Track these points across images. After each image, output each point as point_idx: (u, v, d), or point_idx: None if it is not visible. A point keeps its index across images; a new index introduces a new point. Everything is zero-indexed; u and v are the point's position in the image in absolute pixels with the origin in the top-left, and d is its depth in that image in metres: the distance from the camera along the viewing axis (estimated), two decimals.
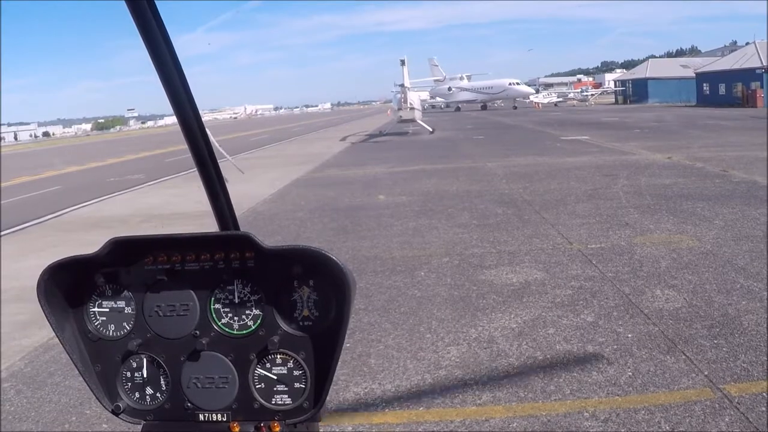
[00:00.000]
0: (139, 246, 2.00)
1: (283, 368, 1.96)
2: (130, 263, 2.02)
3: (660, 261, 11.23)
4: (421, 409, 6.57)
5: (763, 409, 6.03)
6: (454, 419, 6.31)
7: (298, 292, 1.96)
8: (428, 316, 9.27)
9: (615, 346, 7.74)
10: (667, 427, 5.83)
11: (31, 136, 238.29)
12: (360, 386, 7.13)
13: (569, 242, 12.99)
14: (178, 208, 20.92)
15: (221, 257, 1.98)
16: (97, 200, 25.20)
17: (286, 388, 1.96)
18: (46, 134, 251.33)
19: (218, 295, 1.99)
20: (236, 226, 2.24)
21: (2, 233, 18.29)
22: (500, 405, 6.53)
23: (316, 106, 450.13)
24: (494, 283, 10.58)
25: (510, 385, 6.94)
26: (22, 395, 7.49)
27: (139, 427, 2.01)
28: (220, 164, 2.17)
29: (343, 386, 7.10)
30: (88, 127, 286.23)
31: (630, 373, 6.99)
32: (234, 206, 2.28)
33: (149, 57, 1.90)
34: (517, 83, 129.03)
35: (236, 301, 1.98)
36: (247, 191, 22.80)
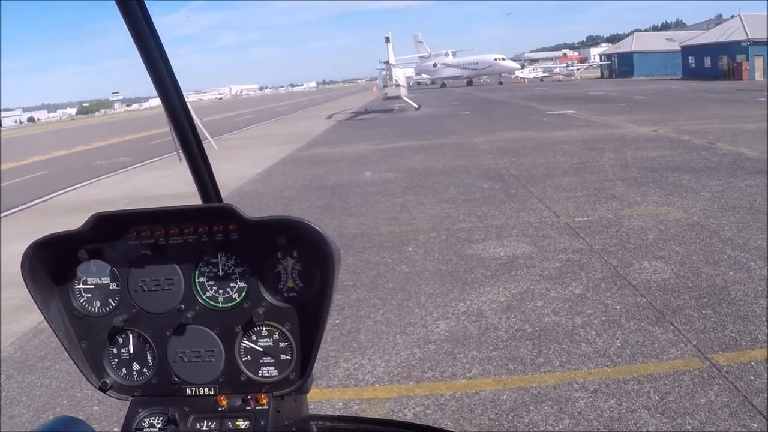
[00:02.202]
0: (122, 221, 1.99)
1: (269, 340, 1.95)
2: (113, 239, 2.01)
3: (647, 233, 11.28)
4: (411, 383, 6.60)
5: (752, 377, 6.07)
6: (444, 393, 6.34)
7: (282, 264, 1.95)
8: (417, 291, 9.29)
9: (603, 318, 7.78)
10: (657, 397, 5.87)
11: (15, 121, 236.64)
12: (350, 362, 7.14)
13: (556, 216, 13.02)
14: (165, 189, 20.83)
15: (205, 230, 1.97)
16: (83, 184, 25.08)
17: (272, 360, 1.95)
18: (31, 119, 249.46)
19: (202, 268, 1.98)
20: (219, 200, 2.23)
21: None
22: (490, 378, 6.56)
23: (302, 85, 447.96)
24: (482, 257, 10.60)
25: (499, 357, 6.97)
26: (12, 380, 7.47)
27: (127, 402, 2.01)
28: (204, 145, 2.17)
29: (333, 362, 7.11)
30: (73, 111, 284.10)
31: (619, 344, 7.03)
32: (220, 186, 2.27)
33: (132, 39, 1.89)
34: (503, 59, 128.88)
35: (221, 274, 1.97)
36: (233, 171, 22.77)
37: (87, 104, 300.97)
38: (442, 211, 14.29)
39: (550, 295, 8.73)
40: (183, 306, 1.96)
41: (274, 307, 1.93)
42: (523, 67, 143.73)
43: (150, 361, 2.01)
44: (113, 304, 2.02)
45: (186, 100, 2.15)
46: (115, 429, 5.74)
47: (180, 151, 2.23)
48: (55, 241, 1.97)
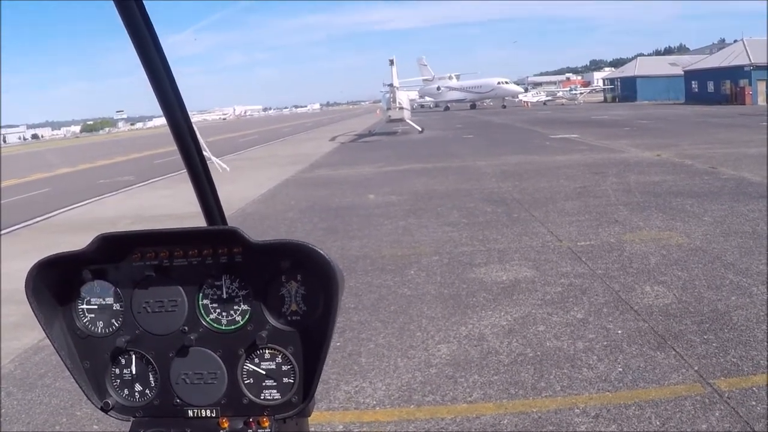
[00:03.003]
0: (126, 242, 2.00)
1: (271, 363, 1.96)
2: (117, 259, 2.02)
3: (650, 257, 11.26)
4: (412, 407, 6.57)
5: (753, 403, 6.05)
6: (445, 417, 6.31)
7: (285, 287, 1.96)
8: (418, 315, 9.27)
9: (605, 343, 7.76)
10: (658, 423, 5.84)
11: (19, 138, 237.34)
12: (350, 384, 7.13)
13: (559, 240, 13.02)
14: (169, 209, 20.84)
15: (209, 253, 1.98)
16: (86, 202, 25.09)
17: (275, 383, 1.96)
18: (35, 136, 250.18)
19: (206, 290, 1.99)
20: (224, 222, 2.24)
21: None
22: (491, 402, 6.54)
23: (306, 106, 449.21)
24: (484, 281, 10.59)
25: (500, 382, 6.95)
26: (12, 397, 7.45)
27: (129, 423, 2.01)
28: (208, 165, 2.18)
29: (334, 385, 7.10)
30: (77, 129, 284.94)
31: (620, 369, 7.00)
32: (223, 207, 2.28)
33: (138, 58, 1.91)
34: (506, 82, 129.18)
35: (224, 296, 1.98)
36: (237, 192, 22.78)
37: (91, 122, 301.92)
38: (445, 235, 14.28)
39: (551, 319, 8.71)
40: (186, 328, 1.97)
41: (278, 330, 1.94)
42: (526, 90, 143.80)
43: (152, 382, 2.01)
44: (116, 324, 2.03)
45: (191, 120, 2.16)
46: None
47: (218, 161, 2.23)
48: (60, 261, 1.98)
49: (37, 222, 21.07)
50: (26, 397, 7.43)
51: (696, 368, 6.88)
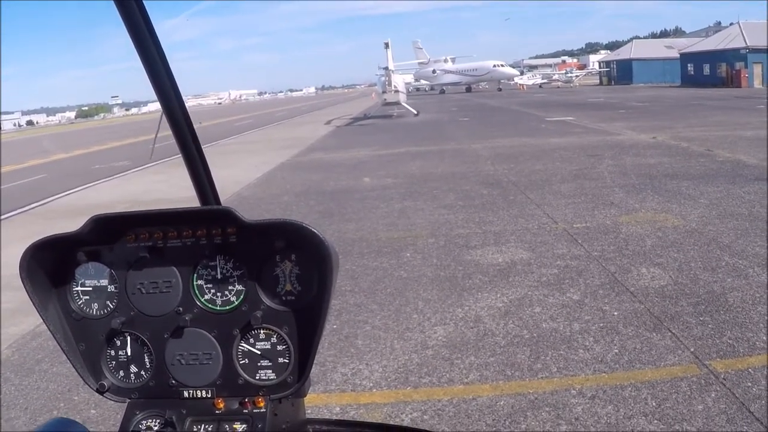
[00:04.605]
0: (120, 223, 1.99)
1: (266, 343, 1.95)
2: (112, 241, 2.01)
3: (645, 239, 11.28)
4: (409, 388, 6.59)
5: (749, 384, 6.07)
6: (442, 398, 6.33)
7: (280, 267, 1.95)
8: (414, 297, 9.29)
9: (601, 324, 7.78)
10: (654, 404, 5.87)
11: (14, 125, 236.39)
12: (347, 367, 7.14)
13: (555, 222, 13.03)
14: (164, 194, 20.82)
15: (203, 233, 1.97)
16: (82, 188, 25.05)
17: (270, 364, 1.95)
18: (30, 123, 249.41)
19: (201, 271, 1.98)
20: (218, 203, 2.23)
21: None
22: (487, 383, 6.56)
23: (301, 90, 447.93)
24: (480, 263, 10.60)
25: (497, 363, 6.97)
26: (9, 383, 7.46)
27: (124, 405, 2.01)
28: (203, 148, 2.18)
29: (331, 367, 7.11)
30: (72, 114, 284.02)
31: (616, 351, 7.03)
32: (218, 191, 2.28)
33: (132, 43, 1.90)
34: (502, 65, 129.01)
35: (219, 276, 1.98)
36: (232, 176, 22.77)
37: (86, 108, 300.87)
38: (441, 217, 14.29)
39: (547, 301, 8.73)
40: (181, 309, 1.97)
41: (272, 311, 1.94)
42: (522, 73, 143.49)
43: (147, 363, 2.01)
44: (111, 306, 2.02)
45: (186, 104, 2.16)
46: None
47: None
48: (54, 243, 1.97)
49: (33, 207, 21.03)
50: (24, 383, 7.44)
51: (692, 350, 6.90)
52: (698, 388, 6.07)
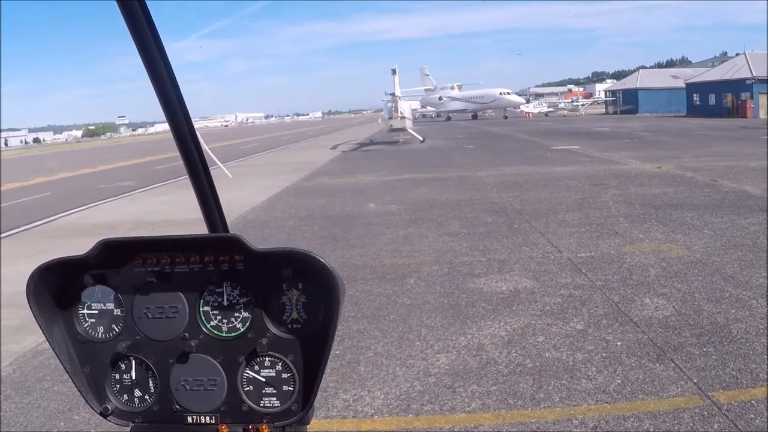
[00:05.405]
0: (128, 248, 2.00)
1: (271, 371, 1.96)
2: (119, 265, 2.02)
3: (649, 270, 11.26)
4: (410, 416, 6.57)
5: (752, 416, 6.04)
6: (444, 426, 6.31)
7: (287, 295, 1.96)
8: (418, 324, 9.27)
9: (604, 354, 7.75)
10: None
11: (21, 142, 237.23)
12: (349, 393, 7.12)
13: (559, 251, 13.02)
14: (169, 215, 20.87)
15: (210, 260, 1.98)
16: (86, 207, 25.09)
17: (274, 391, 1.96)
18: (36, 140, 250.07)
19: (207, 297, 1.99)
20: (226, 229, 2.24)
21: None
22: (489, 412, 6.53)
23: (307, 114, 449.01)
24: (484, 291, 10.59)
25: (499, 392, 6.94)
26: (10, 401, 7.45)
27: (128, 429, 2.01)
28: (210, 171, 2.18)
29: (333, 393, 7.10)
30: (78, 133, 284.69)
31: (619, 381, 7.00)
32: (224, 213, 2.28)
33: (142, 63, 1.91)
34: (508, 93, 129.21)
35: (225, 303, 1.98)
36: (238, 199, 22.78)
37: (93, 127, 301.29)
38: (445, 245, 14.28)
39: (551, 330, 8.71)
40: (187, 334, 1.97)
41: (278, 338, 1.94)
42: (528, 101, 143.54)
43: (152, 388, 2.01)
44: (117, 330, 2.03)
45: (194, 126, 2.15)
46: None
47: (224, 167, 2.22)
48: (61, 265, 1.98)
49: (37, 225, 21.05)
50: (24, 401, 7.43)
51: (695, 380, 6.87)
52: (701, 420, 6.04)
